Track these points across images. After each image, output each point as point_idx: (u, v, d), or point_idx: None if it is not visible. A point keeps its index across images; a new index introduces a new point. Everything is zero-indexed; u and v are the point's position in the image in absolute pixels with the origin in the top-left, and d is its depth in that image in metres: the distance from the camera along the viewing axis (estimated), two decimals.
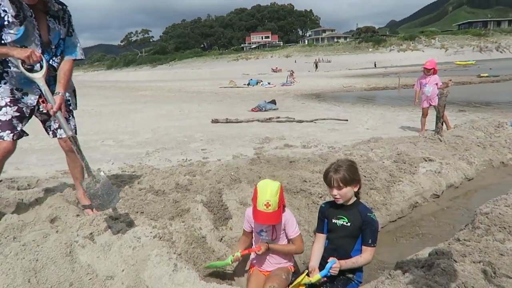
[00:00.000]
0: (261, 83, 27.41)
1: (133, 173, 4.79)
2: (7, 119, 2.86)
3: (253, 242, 2.95)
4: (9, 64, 2.85)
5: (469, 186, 4.98)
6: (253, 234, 2.93)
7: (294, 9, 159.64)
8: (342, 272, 2.59)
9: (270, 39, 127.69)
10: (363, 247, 2.60)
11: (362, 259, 2.60)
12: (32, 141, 7.65)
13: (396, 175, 4.47)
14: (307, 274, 2.62)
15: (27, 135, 3.13)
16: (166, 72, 68.00)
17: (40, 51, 2.83)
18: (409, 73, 33.69)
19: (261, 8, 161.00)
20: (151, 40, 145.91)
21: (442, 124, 6.32)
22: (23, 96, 2.97)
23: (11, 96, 2.91)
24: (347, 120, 9.46)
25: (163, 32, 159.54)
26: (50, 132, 3.21)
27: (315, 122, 9.51)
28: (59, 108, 2.79)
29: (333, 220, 2.73)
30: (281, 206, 2.70)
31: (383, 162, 4.96)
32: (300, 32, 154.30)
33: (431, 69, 7.56)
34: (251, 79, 28.87)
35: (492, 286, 2.14)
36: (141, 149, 6.79)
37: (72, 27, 3.01)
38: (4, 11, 2.59)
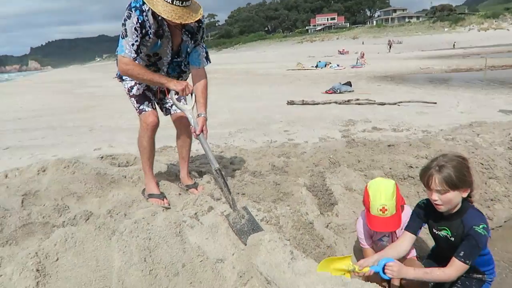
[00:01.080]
0: (330, 65, 26.54)
1: (222, 153, 4.71)
2: (141, 93, 2.93)
3: None
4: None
5: None
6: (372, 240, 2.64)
7: None
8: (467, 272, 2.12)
9: (336, 21, 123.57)
10: (453, 257, 2.05)
11: (440, 272, 2.06)
12: (119, 120, 7.97)
13: None
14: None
15: None
16: (232, 55, 68.81)
17: (169, 59, 2.88)
18: (493, 54, 30.70)
19: None
20: (216, 25, 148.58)
21: None
22: None
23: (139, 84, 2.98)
24: (435, 103, 8.71)
25: (228, 16, 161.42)
26: (164, 110, 3.18)
27: (398, 105, 8.88)
28: (202, 131, 2.79)
29: (434, 230, 2.26)
30: (399, 208, 2.36)
31: (495, 149, 4.41)
32: (368, 13, 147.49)
33: None
34: (320, 61, 28.07)
35: None
36: (223, 129, 6.75)
37: (203, 40, 2.98)
38: (149, 26, 2.60)
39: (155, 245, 2.40)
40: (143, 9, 2.54)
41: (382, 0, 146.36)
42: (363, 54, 28.53)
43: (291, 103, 9.70)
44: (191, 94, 2.89)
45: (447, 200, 2.03)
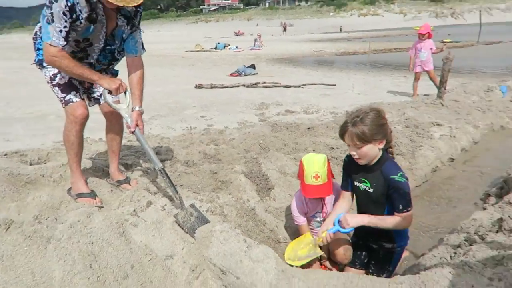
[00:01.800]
0: (229, 47, 26.65)
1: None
2: (66, 81, 2.59)
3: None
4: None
5: (477, 149, 5.12)
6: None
7: None
8: (380, 245, 2.42)
9: (229, 1, 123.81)
10: (395, 213, 2.17)
11: (392, 219, 2.17)
12: (7, 109, 7.00)
13: (416, 140, 4.49)
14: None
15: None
16: None
17: (102, 46, 2.60)
18: (373, 38, 33.96)
19: None
20: None
21: (445, 89, 6.41)
22: None
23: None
24: (335, 85, 9.40)
25: None
26: (92, 99, 2.88)
27: (303, 87, 9.38)
28: (136, 126, 2.59)
29: (356, 183, 2.37)
30: (330, 178, 2.59)
31: (395, 127, 4.96)
32: None
33: (426, 33, 7.60)
34: (218, 43, 27.96)
35: None
36: None
37: (139, 26, 2.73)
38: (80, 10, 2.29)
39: (99, 249, 2.23)
40: None
41: None
42: (260, 35, 29.21)
43: (199, 86, 9.56)
44: (125, 93, 2.69)
45: (364, 153, 2.12)
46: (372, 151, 2.13)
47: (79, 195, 2.76)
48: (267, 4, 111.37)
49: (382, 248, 2.46)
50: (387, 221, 2.18)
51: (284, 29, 50.95)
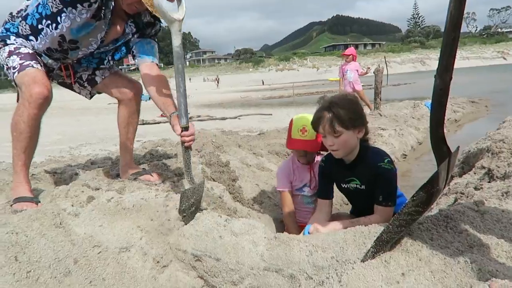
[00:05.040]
0: None
1: (71, 160, 3.86)
2: (30, 52, 2.08)
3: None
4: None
5: (423, 148, 5.24)
6: (293, 194, 2.48)
7: None
8: None
9: None
10: (374, 205, 1.89)
11: (366, 220, 1.82)
12: None
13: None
14: None
15: None
16: None
17: (90, 51, 2.21)
18: (295, 87, 35.87)
19: None
20: None
21: (380, 100, 6.64)
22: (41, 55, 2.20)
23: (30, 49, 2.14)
24: (271, 114, 9.41)
25: None
26: (86, 83, 2.48)
27: (239, 119, 9.23)
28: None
29: (343, 185, 2.03)
30: (320, 140, 2.31)
31: None
32: None
33: (350, 55, 8.02)
34: (143, 94, 27.33)
35: None
36: (58, 146, 5.63)
37: (155, 36, 2.40)
38: (89, 5, 1.92)
39: (28, 240, 1.65)
40: None
41: (192, 43, 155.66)
42: None
43: None
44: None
45: (342, 142, 1.82)
46: (351, 141, 1.83)
47: (17, 200, 2.11)
48: (187, 63, 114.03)
49: None
50: (360, 222, 1.78)
51: (218, 83, 51.19)
